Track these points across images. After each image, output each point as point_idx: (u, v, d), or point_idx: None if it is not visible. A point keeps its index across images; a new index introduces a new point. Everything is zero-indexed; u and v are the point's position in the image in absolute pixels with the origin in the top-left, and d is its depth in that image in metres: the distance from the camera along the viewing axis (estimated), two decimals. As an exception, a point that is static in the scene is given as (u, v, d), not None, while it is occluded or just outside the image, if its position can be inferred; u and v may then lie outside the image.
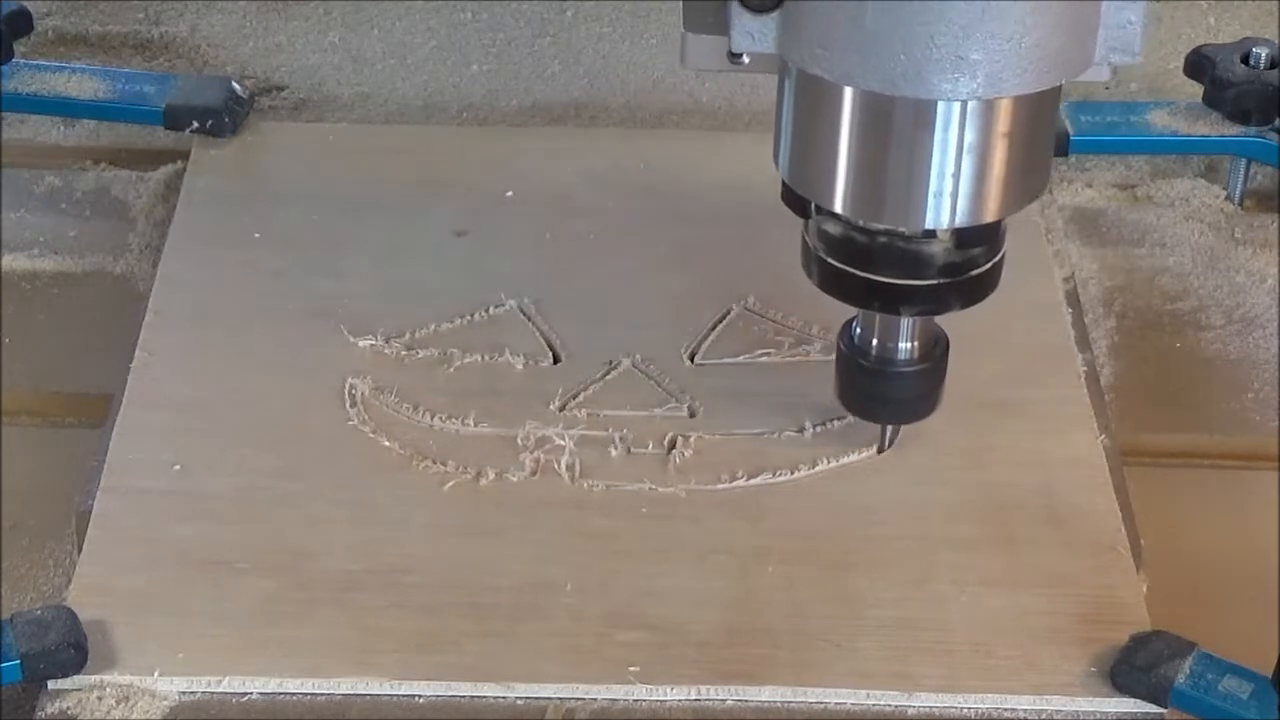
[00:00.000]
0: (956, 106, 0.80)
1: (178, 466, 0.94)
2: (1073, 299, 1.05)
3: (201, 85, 1.17)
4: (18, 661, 0.83)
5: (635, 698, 0.84)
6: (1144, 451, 0.99)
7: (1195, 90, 1.16)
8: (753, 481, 0.94)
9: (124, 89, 1.16)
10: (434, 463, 0.94)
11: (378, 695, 0.84)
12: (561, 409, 0.97)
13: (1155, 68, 1.25)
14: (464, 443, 0.95)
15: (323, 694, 0.84)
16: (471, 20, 1.28)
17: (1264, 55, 1.14)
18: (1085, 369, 1.00)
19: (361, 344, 1.01)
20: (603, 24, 1.28)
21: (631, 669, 0.85)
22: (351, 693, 0.84)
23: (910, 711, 0.84)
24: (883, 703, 0.84)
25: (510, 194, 1.11)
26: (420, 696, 0.84)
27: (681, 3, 0.83)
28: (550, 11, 1.28)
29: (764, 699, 0.84)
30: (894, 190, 0.82)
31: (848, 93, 0.81)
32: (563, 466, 0.94)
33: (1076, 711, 0.84)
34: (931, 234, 0.84)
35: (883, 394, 0.92)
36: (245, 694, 0.84)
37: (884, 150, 0.82)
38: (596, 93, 1.23)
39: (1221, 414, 1.02)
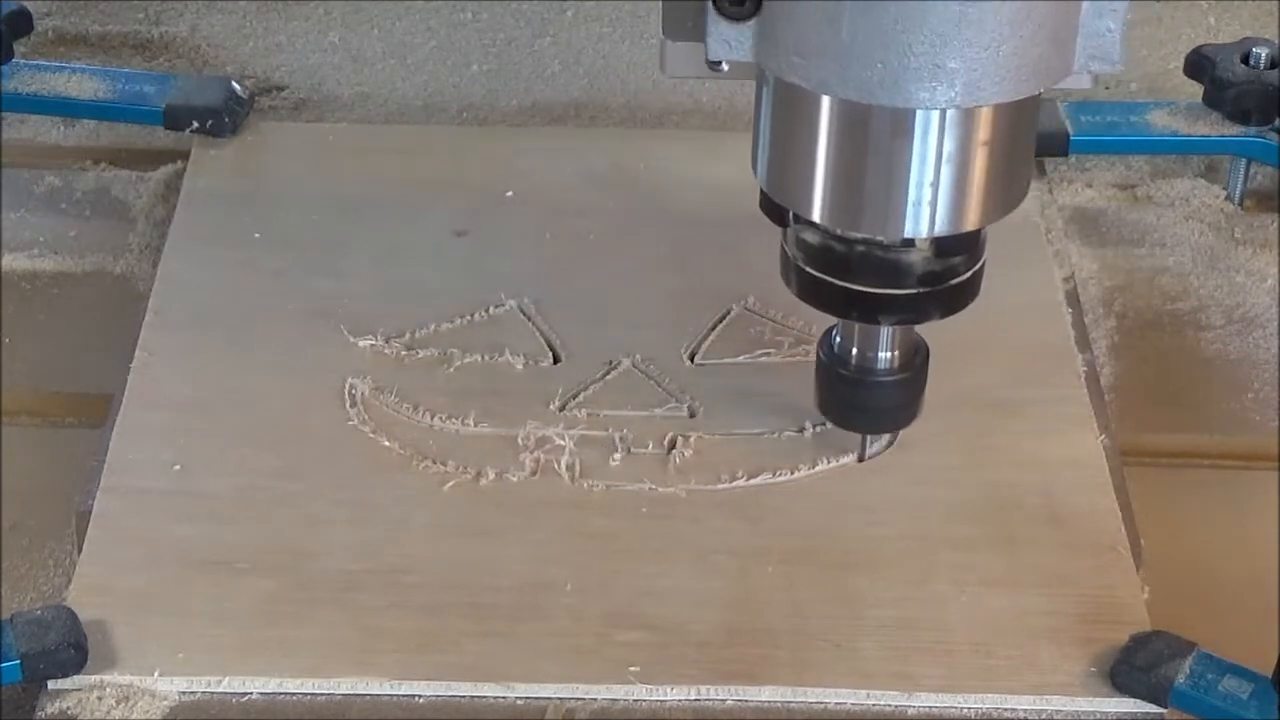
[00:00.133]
0: (935, 115, 0.79)
1: (178, 466, 0.94)
2: (1073, 299, 1.05)
3: (201, 85, 1.17)
4: (18, 661, 0.83)
5: (635, 698, 0.84)
6: (1144, 451, 0.99)
7: (1195, 90, 1.16)
8: (753, 481, 0.94)
9: (124, 89, 1.16)
10: (434, 463, 0.94)
11: (378, 695, 0.84)
12: (561, 409, 0.97)
13: (1155, 68, 1.25)
14: (464, 443, 0.95)
15: (323, 694, 0.84)
16: (471, 20, 1.28)
17: (1264, 55, 1.14)
18: (1085, 369, 1.00)
19: (361, 344, 1.01)
20: (603, 24, 1.28)
21: (631, 669, 0.85)
22: (351, 693, 0.84)
23: (910, 711, 0.84)
24: (883, 703, 0.84)
25: (510, 194, 1.11)
26: (420, 696, 0.84)
27: (661, 11, 0.83)
28: (550, 11, 1.28)
29: (764, 699, 0.84)
30: (872, 199, 0.82)
31: (825, 101, 0.80)
32: (563, 466, 0.94)
33: (1076, 711, 0.84)
34: (910, 243, 0.83)
35: (862, 403, 0.92)
36: (245, 694, 0.84)
37: (862, 159, 0.81)
38: (596, 93, 1.23)
39: (1221, 414, 1.02)
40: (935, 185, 0.81)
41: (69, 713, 0.83)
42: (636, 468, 0.94)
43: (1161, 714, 0.84)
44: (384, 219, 1.09)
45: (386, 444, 0.95)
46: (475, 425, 0.96)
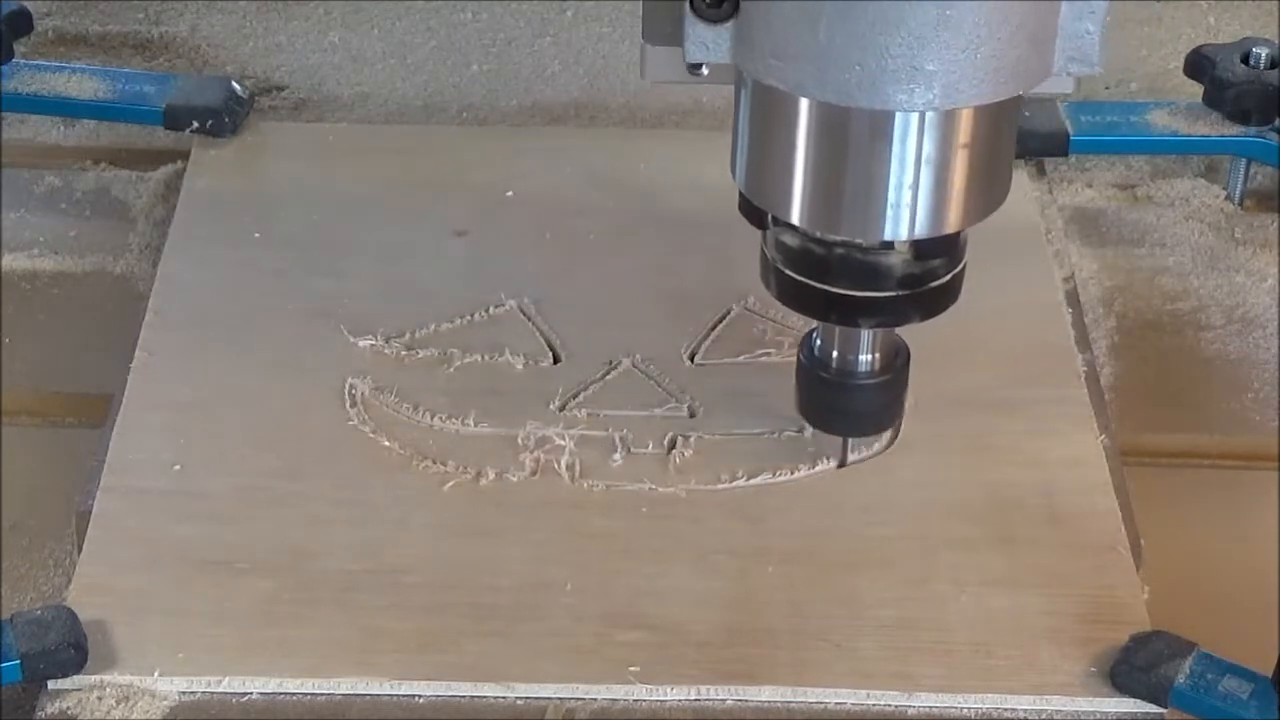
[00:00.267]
0: (914, 117, 0.79)
1: (178, 466, 0.94)
2: (1073, 299, 1.05)
3: (201, 85, 1.17)
4: (18, 661, 0.83)
5: (635, 698, 0.84)
6: (1144, 451, 0.99)
7: (1195, 90, 1.16)
8: (753, 481, 0.94)
9: (124, 89, 1.16)
10: (434, 463, 0.94)
11: (378, 695, 0.84)
12: (561, 409, 0.97)
13: (1155, 68, 1.25)
14: (464, 443, 0.95)
15: (323, 694, 0.84)
16: (471, 20, 1.28)
17: (1264, 55, 1.14)
18: (1085, 369, 1.00)
19: (361, 344, 1.01)
20: (603, 24, 1.28)
21: (631, 669, 0.85)
22: (351, 693, 0.84)
23: (910, 711, 0.84)
24: (883, 703, 0.84)
25: (510, 194, 1.11)
26: (420, 696, 0.84)
27: (641, 15, 0.83)
28: (550, 11, 1.28)
29: (764, 699, 0.84)
30: (851, 202, 0.81)
31: (803, 103, 0.80)
32: (563, 466, 0.94)
33: (1076, 711, 0.84)
34: (890, 245, 0.83)
35: (843, 406, 0.91)
36: (245, 694, 0.84)
37: (841, 161, 0.80)
38: (596, 93, 1.23)
39: (1221, 414, 1.02)
40: (914, 188, 0.80)
41: (69, 713, 0.83)
42: (636, 468, 0.94)
43: (1161, 714, 0.84)
44: (384, 219, 1.09)
45: (386, 444, 0.95)
46: (475, 425, 0.96)
